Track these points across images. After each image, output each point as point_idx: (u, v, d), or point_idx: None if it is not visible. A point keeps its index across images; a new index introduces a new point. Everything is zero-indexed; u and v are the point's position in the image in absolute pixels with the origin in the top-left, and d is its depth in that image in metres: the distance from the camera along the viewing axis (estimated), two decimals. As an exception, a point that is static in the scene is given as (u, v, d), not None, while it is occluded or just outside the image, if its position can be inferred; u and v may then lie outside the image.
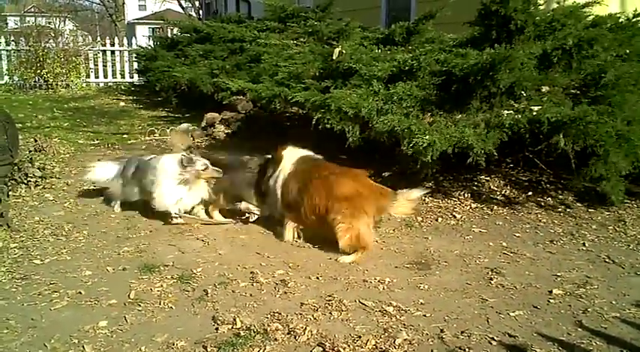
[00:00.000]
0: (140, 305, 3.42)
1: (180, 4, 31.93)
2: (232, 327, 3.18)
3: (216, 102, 9.14)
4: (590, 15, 6.39)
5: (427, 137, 4.91)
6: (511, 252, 4.33)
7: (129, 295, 3.55)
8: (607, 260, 4.18)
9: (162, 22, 17.20)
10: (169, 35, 16.83)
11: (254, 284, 3.74)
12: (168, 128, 8.93)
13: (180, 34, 13.68)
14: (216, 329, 3.17)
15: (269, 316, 3.30)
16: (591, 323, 3.25)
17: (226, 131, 8.63)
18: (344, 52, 6.60)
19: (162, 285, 3.71)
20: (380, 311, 3.37)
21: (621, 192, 5.09)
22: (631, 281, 3.85)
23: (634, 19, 6.30)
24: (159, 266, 3.99)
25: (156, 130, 8.83)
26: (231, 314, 3.32)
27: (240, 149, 7.72)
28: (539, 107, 5.19)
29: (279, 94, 6.68)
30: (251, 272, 3.90)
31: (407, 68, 5.81)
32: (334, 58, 6.63)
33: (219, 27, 11.62)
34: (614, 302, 3.52)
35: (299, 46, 8.67)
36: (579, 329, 3.18)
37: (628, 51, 5.97)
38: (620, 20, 6.34)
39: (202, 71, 10.25)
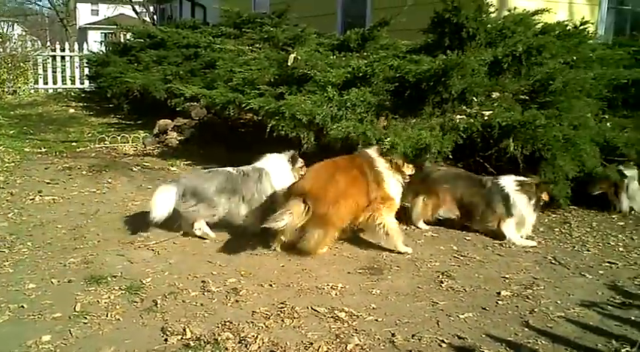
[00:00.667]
0: (86, 318, 3.31)
1: (134, 10, 31.41)
2: (182, 338, 3.11)
3: (169, 109, 9.00)
4: (539, 22, 6.56)
5: (389, 139, 4.91)
6: (461, 256, 4.38)
7: (74, 308, 3.43)
8: (553, 261, 4.28)
9: (115, 27, 16.85)
10: (122, 40, 16.52)
11: (205, 293, 3.68)
12: (119, 135, 8.74)
13: (134, 40, 13.47)
14: (165, 340, 3.09)
15: (220, 325, 3.24)
16: (537, 323, 3.31)
17: (179, 138, 8.51)
18: (299, 58, 6.61)
19: (109, 297, 3.60)
20: (332, 317, 3.35)
21: (568, 195, 5.21)
22: (576, 281, 3.94)
23: (581, 27, 6.50)
24: (106, 277, 3.87)
25: (106, 138, 8.64)
26: (181, 325, 3.24)
27: (193, 156, 7.65)
28: (490, 112, 5.28)
29: (233, 100, 6.65)
30: (202, 281, 3.83)
31: (361, 74, 5.85)
32: (289, 64, 6.63)
33: (174, 32, 11.51)
34: (559, 302, 3.60)
35: (254, 51, 8.64)
36: (526, 329, 3.24)
37: (575, 58, 6.14)
38: (568, 28, 6.53)
39: (155, 77, 10.09)
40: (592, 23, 7.69)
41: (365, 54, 7.19)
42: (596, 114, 5.76)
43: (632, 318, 3.38)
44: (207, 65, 9.75)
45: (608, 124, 5.70)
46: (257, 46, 9.36)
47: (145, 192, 6.01)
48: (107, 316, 3.35)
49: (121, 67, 11.48)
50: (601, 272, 4.10)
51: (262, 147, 5.57)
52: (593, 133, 5.30)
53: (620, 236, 4.86)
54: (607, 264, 4.25)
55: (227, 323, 3.26)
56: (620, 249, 4.58)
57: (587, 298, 3.65)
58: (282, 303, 3.52)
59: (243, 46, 9.37)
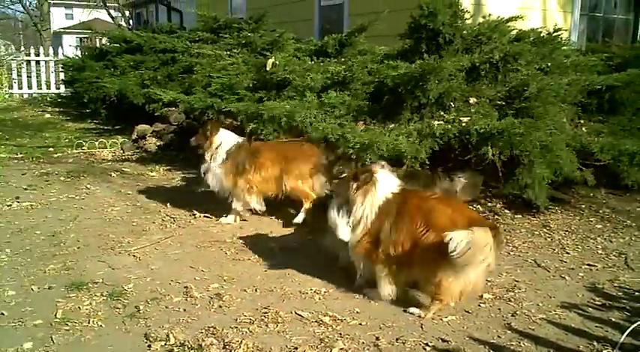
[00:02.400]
0: (67, 325, 3.28)
1: (110, 14, 31.17)
2: (165, 344, 3.10)
3: (147, 114, 8.96)
4: (513, 29, 6.65)
5: (366, 138, 4.93)
6: (443, 260, 4.40)
7: (55, 314, 3.40)
8: (534, 264, 4.33)
9: (90, 31, 16.71)
10: (98, 45, 16.37)
11: (188, 298, 3.67)
12: (97, 141, 8.66)
13: (110, 44, 13.35)
14: (149, 346, 3.08)
15: (204, 331, 3.24)
16: (520, 325, 3.35)
17: (158, 143, 8.47)
18: (277, 63, 6.62)
19: (91, 303, 3.57)
20: (316, 321, 3.37)
21: (546, 199, 5.28)
22: (556, 283, 4.00)
23: (554, 34, 6.60)
24: (87, 283, 3.85)
25: (84, 143, 8.56)
26: (165, 331, 3.23)
27: (172, 162, 7.62)
28: (468, 118, 5.34)
29: (212, 105, 6.64)
30: (185, 287, 3.82)
31: (340, 79, 5.90)
32: (268, 69, 6.65)
33: (150, 37, 11.43)
34: (540, 304, 3.65)
35: (232, 57, 8.64)
36: (508, 332, 3.28)
37: (549, 64, 6.23)
38: (542, 34, 6.63)
39: (132, 82, 10.03)
40: (565, 30, 7.83)
41: (343, 59, 7.23)
42: (572, 120, 5.86)
43: (612, 320, 3.43)
44: (184, 70, 9.74)
45: (583, 129, 5.81)
46: (234, 51, 9.36)
47: (125, 198, 5.98)
48: (89, 323, 3.32)
49: (98, 72, 11.38)
50: (581, 274, 4.16)
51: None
52: (569, 138, 5.39)
53: (598, 239, 4.93)
54: (587, 267, 4.31)
55: (211, 329, 3.25)
56: (599, 251, 4.65)
57: (567, 300, 3.71)
58: (265, 308, 3.52)
59: (220, 51, 9.35)
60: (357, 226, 3.58)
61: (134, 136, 8.73)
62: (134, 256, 4.41)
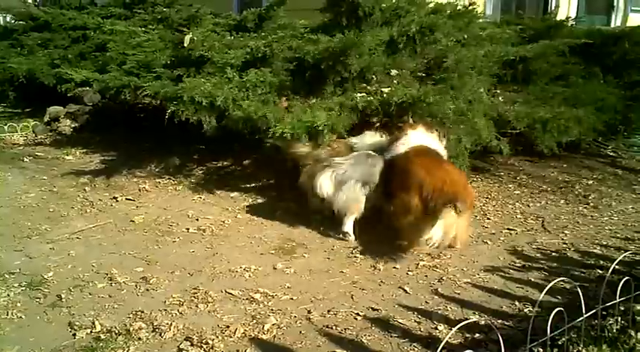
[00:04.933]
0: (-16, 319, 3.12)
1: (13, -10, 29.49)
2: (91, 331, 3.01)
3: (59, 95, 8.49)
4: (431, 2, 6.76)
5: (280, 127, 4.88)
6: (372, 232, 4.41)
7: (-30, 308, 3.22)
8: (457, 231, 4.46)
9: (-9, 9, 15.68)
10: (2, 23, 15.40)
11: (113, 284, 3.56)
12: (6, 125, 8.18)
13: (15, 22, 12.60)
14: (74, 335, 2.98)
15: (131, 315, 3.16)
16: (446, 291, 3.47)
17: (73, 125, 8.09)
18: (195, 39, 6.43)
19: (8, 294, 3.41)
20: (247, 298, 3.35)
21: (467, 168, 5.43)
22: (479, 248, 4.16)
23: (470, 7, 6.76)
24: (3, 274, 3.66)
25: (-8, 128, 8.07)
26: (90, 318, 3.13)
27: (89, 144, 7.32)
28: (389, 89, 5.40)
29: (128, 84, 6.37)
30: (108, 273, 3.70)
31: (260, 55, 5.79)
32: (185, 45, 6.44)
33: (59, 14, 10.82)
34: (465, 269, 3.79)
35: (148, 33, 8.33)
36: (436, 297, 3.39)
37: (466, 36, 6.37)
38: (458, 8, 6.76)
39: (42, 61, 9.47)
40: (477, 4, 8.02)
41: (263, 34, 7.11)
42: (489, 90, 6.03)
43: (532, 280, 3.62)
44: (97, 48, 9.27)
45: (500, 99, 6.00)
46: (150, 27, 9.02)
47: (40, 183, 5.69)
48: (7, 315, 3.19)
49: (3, 52, 10.69)
50: (502, 238, 4.34)
51: (162, 132, 5.43)
52: (486, 108, 5.54)
53: (517, 204, 5.14)
54: (507, 231, 4.50)
55: (139, 313, 3.19)
56: (518, 216, 4.85)
57: (490, 264, 3.87)
58: (194, 289, 3.47)
59: (135, 27, 9.00)
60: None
61: (46, 119, 8.29)
62: (53, 243, 4.22)
